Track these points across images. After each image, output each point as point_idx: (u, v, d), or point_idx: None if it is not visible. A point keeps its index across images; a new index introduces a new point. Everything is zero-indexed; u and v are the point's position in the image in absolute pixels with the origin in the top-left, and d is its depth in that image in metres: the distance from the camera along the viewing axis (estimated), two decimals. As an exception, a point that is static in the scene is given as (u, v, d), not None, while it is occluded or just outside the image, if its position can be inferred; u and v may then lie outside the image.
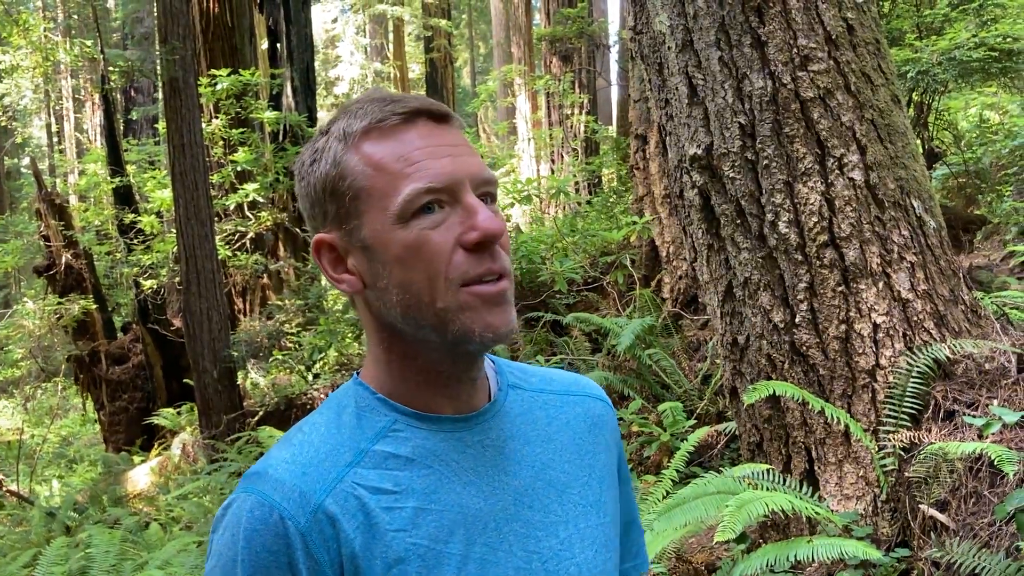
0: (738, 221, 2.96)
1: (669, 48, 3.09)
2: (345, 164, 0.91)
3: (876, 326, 2.79)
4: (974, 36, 6.02)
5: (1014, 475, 2.39)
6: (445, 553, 0.89)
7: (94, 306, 10.19)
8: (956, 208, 7.25)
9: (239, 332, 9.20)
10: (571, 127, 13.64)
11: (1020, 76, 6.64)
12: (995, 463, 2.35)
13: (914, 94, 6.63)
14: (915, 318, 2.80)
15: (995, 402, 2.66)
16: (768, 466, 2.90)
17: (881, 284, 2.80)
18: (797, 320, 2.87)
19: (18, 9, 13.95)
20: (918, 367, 2.71)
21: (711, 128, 2.98)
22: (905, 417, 2.72)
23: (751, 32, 2.87)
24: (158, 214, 10.70)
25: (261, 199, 10.41)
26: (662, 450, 4.04)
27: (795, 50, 2.83)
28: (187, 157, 7.75)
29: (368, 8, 22.38)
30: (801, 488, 2.83)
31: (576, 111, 13.58)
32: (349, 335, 8.18)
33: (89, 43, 12.71)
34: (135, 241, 10.61)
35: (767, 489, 2.68)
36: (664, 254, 6.14)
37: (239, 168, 10.27)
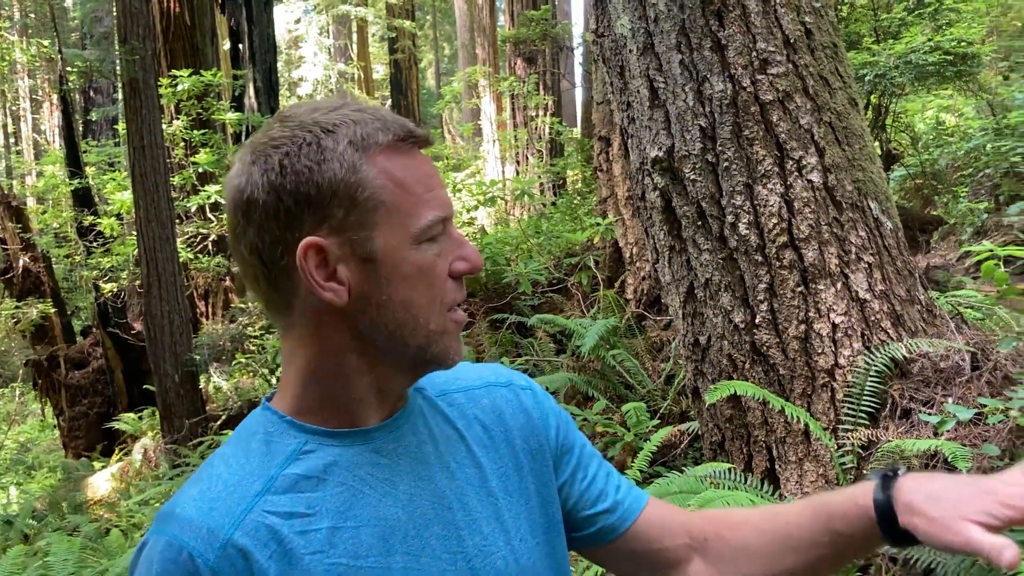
0: (699, 223, 2.99)
1: (631, 51, 3.11)
2: (364, 174, 0.90)
3: (835, 326, 2.83)
4: (930, 40, 6.13)
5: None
6: (366, 568, 0.89)
7: (53, 310, 10.04)
8: (913, 209, 7.38)
9: (201, 335, 9.10)
10: (536, 129, 13.68)
11: (975, 79, 6.76)
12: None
13: (872, 97, 6.73)
14: (873, 318, 2.84)
15: (950, 400, 2.72)
16: (730, 465, 2.93)
17: (839, 284, 2.84)
18: (757, 320, 2.91)
19: (-27, 8, 13.68)
20: (876, 366, 2.76)
21: (672, 131, 3.01)
22: (863, 415, 2.76)
23: (711, 35, 2.90)
24: (118, 216, 10.53)
25: (223, 201, 10.28)
26: (626, 450, 4.06)
27: (754, 53, 2.87)
28: (148, 159, 7.65)
29: (331, 9, 22.28)
30: (762, 486, 2.87)
31: (541, 113, 13.62)
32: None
33: (47, 43, 12.51)
34: (95, 244, 10.43)
35: (729, 488, 2.71)
36: (628, 255, 6.17)
37: (201, 170, 10.15)
